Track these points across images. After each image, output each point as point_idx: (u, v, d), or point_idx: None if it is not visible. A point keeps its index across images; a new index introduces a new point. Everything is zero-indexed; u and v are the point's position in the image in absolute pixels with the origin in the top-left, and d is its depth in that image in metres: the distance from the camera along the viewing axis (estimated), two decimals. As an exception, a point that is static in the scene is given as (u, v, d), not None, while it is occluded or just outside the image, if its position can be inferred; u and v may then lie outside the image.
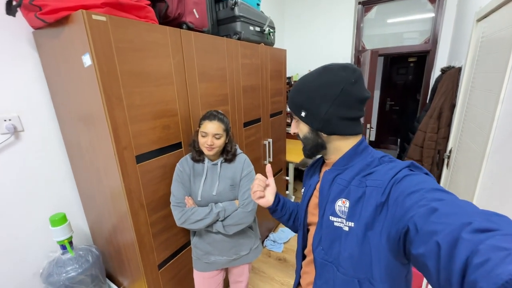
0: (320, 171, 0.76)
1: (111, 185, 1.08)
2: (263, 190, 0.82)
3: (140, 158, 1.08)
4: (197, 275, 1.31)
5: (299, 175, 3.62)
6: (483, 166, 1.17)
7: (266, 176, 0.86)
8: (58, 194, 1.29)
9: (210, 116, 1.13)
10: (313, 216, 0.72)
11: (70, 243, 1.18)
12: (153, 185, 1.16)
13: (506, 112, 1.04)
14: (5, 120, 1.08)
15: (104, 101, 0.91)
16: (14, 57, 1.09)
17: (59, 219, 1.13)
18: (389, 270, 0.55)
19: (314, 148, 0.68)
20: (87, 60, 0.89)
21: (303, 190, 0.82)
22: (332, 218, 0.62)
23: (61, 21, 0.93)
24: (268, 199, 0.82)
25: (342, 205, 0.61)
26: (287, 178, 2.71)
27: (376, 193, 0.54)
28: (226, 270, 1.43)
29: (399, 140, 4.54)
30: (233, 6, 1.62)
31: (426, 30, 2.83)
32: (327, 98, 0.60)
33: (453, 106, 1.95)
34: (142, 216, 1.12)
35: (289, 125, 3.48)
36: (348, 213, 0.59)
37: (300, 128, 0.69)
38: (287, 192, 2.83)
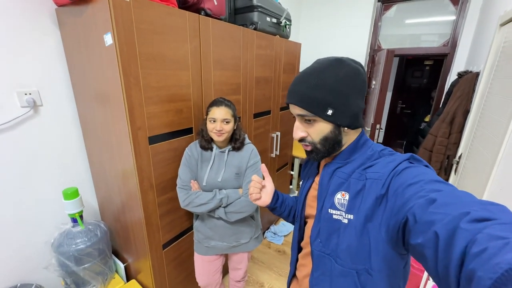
0: (319, 164, 0.75)
1: (123, 163, 1.11)
2: (259, 191, 0.81)
3: (153, 140, 1.11)
4: (197, 258, 1.34)
5: (303, 171, 3.62)
6: (493, 172, 1.16)
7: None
8: (71, 169, 1.34)
9: (217, 102, 1.14)
10: (311, 209, 0.72)
11: (81, 216, 1.23)
12: (163, 167, 1.18)
13: (523, 119, 1.02)
14: (25, 94, 1.12)
15: (122, 80, 0.93)
16: (37, 33, 1.12)
17: (72, 193, 1.18)
18: (387, 261, 0.56)
19: (332, 149, 0.62)
20: (108, 39, 0.91)
21: (301, 182, 0.82)
22: (331, 211, 0.62)
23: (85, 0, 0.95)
24: (264, 200, 0.81)
25: (341, 197, 0.61)
26: (291, 172, 2.72)
27: (376, 186, 0.55)
28: (226, 256, 1.46)
29: (404, 143, 4.48)
30: (251, -4, 1.61)
31: (445, 33, 2.75)
32: (355, 90, 0.58)
33: (466, 112, 1.92)
34: (151, 196, 1.15)
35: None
36: (347, 206, 0.59)
37: (317, 129, 0.60)
38: (290, 186, 2.84)
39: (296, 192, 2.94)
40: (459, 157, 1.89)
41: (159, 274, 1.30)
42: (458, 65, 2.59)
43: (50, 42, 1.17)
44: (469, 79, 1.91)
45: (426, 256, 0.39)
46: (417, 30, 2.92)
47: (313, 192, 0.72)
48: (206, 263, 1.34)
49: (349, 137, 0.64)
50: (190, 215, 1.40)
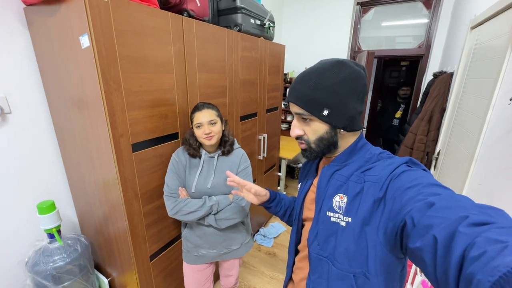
0: (317, 166, 0.75)
1: (104, 173, 1.04)
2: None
3: (136, 147, 1.05)
4: (186, 268, 1.30)
5: (290, 171, 3.65)
6: (472, 167, 1.21)
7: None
8: (45, 181, 1.24)
9: (198, 107, 1.12)
10: (309, 211, 0.72)
11: (59, 231, 1.14)
12: (148, 175, 1.13)
13: (497, 116, 1.08)
14: (-9, 101, 1.02)
15: (101, 85, 0.88)
16: (3, 35, 1.03)
17: (47, 207, 1.09)
18: (385, 264, 0.56)
19: (327, 149, 0.63)
20: (85, 41, 0.85)
21: (299, 185, 0.82)
22: (329, 214, 0.62)
23: (58, -2, 0.88)
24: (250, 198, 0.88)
25: (339, 200, 0.61)
26: (279, 174, 2.73)
27: (374, 189, 0.55)
28: (217, 264, 1.42)
29: (381, 140, 4.66)
30: (235, -3, 1.59)
31: (420, 35, 2.89)
32: (353, 93, 0.58)
33: (443, 110, 2.02)
34: (136, 206, 1.09)
35: (285, 122, 3.48)
36: (345, 209, 0.59)
37: (313, 128, 0.61)
38: (278, 188, 2.84)
39: (284, 193, 2.95)
40: (438, 154, 1.98)
41: (146, 287, 1.23)
42: (433, 66, 2.72)
43: (19, 44, 1.08)
44: (444, 79, 2.02)
45: (425, 260, 0.38)
46: (393, 33, 3.05)
47: (311, 195, 0.71)
48: (196, 273, 1.29)
49: (347, 139, 0.64)
50: (177, 224, 1.35)
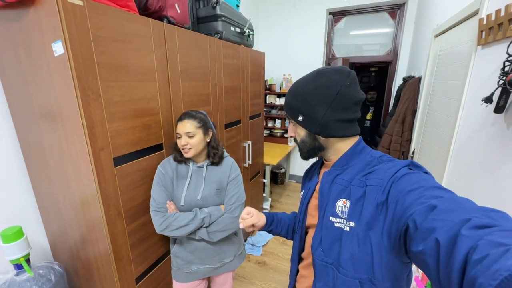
0: (319, 172, 0.75)
1: (83, 191, 0.95)
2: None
3: (118, 161, 0.97)
4: (177, 286, 1.22)
5: (273, 177, 3.66)
6: (448, 164, 1.30)
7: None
8: (10, 204, 1.09)
9: (181, 116, 1.08)
10: (312, 218, 0.71)
11: (27, 261, 1.01)
12: (131, 190, 1.05)
13: (467, 116, 1.18)
14: None
15: (78, 95, 0.80)
16: (-44, 41, 0.91)
17: (14, 234, 0.96)
18: (390, 269, 0.55)
19: (312, 151, 0.69)
20: (58, 48, 0.78)
21: (301, 193, 0.81)
22: (332, 219, 0.62)
23: (24, 2, 0.80)
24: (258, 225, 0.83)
25: (342, 205, 0.60)
26: (264, 180, 2.71)
27: (376, 192, 0.55)
28: (209, 279, 1.36)
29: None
30: (214, 5, 1.58)
31: (388, 42, 3.10)
32: (323, 101, 0.61)
33: (414, 112, 2.16)
34: (119, 225, 1.00)
35: (267, 128, 3.51)
36: (348, 213, 0.59)
37: (297, 132, 0.69)
38: (264, 194, 2.82)
39: (270, 199, 2.94)
40: (413, 153, 2.10)
41: (133, 313, 1.13)
42: (401, 71, 2.92)
43: (-25, 51, 0.96)
44: (413, 83, 2.16)
45: (428, 263, 0.38)
46: (364, 40, 3.24)
47: (314, 201, 0.71)
48: (188, 291, 1.21)
49: (335, 145, 0.66)
50: (165, 240, 1.27)
